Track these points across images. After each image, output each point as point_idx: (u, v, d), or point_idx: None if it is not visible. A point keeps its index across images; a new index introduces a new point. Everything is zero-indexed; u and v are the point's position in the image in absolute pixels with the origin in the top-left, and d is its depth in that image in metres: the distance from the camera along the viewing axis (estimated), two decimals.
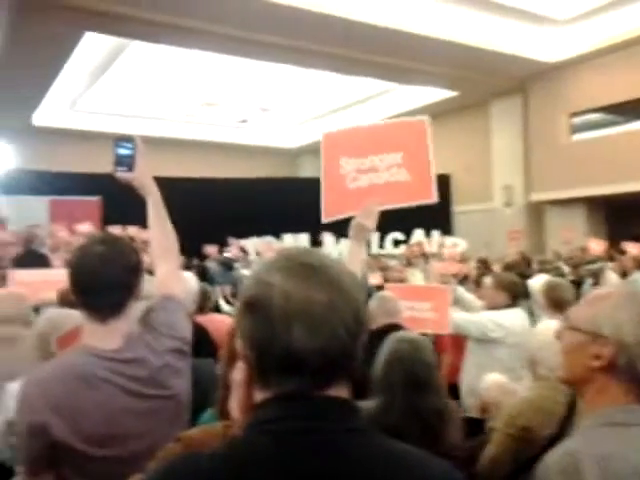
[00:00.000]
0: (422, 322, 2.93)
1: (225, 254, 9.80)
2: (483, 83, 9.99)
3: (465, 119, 11.76)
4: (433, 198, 1.98)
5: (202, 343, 2.82)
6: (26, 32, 7.09)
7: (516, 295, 3.35)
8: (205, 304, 3.55)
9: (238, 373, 0.85)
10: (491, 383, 2.75)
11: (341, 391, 0.79)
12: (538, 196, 10.48)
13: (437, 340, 3.31)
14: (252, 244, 10.46)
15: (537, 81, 10.16)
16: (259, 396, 0.80)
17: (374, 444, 0.79)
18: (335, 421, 0.77)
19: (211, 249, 9.82)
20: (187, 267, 9.06)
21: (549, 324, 2.24)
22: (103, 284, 1.46)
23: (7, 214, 10.25)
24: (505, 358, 3.12)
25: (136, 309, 1.61)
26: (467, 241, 9.76)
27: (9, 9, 6.47)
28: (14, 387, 2.56)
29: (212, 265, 8.80)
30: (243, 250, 10.05)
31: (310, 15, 6.92)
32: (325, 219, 1.99)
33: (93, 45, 8.11)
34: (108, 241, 1.51)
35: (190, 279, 3.35)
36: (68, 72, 8.83)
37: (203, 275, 7.52)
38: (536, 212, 10.78)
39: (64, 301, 3.07)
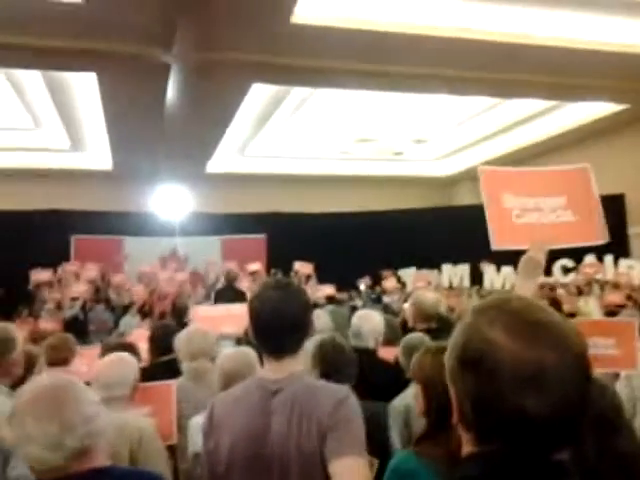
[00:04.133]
0: (607, 360, 2.70)
1: (361, 286, 9.96)
2: None
3: (638, 133, 10.78)
4: (602, 239, 2.09)
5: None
6: (200, 91, 7.89)
7: None
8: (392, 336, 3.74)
9: None
10: None
11: (563, 453, 0.77)
12: None
13: None
14: (408, 275, 10.41)
15: None
16: (469, 448, 0.80)
17: None
18: None
19: (363, 281, 9.98)
20: (339, 301, 9.30)
21: None
22: (280, 327, 1.63)
23: (186, 254, 11.34)
24: None
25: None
26: None
27: (184, 69, 7.26)
28: (198, 420, 2.79)
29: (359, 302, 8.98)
30: (400, 282, 10.04)
31: (461, 42, 6.86)
32: (495, 247, 2.09)
33: (258, 94, 8.75)
34: (281, 286, 1.67)
35: (375, 315, 3.47)
36: (236, 121, 9.61)
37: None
38: None
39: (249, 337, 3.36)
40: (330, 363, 2.57)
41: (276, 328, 1.61)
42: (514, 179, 2.18)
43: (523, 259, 1.87)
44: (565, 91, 8.90)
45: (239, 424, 1.57)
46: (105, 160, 11.67)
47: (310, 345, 2.91)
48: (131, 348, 3.41)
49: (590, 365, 0.77)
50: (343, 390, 1.60)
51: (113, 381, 2.54)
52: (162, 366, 3.66)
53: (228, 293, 7.46)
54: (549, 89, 8.73)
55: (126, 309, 8.32)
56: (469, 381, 0.77)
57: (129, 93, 8.06)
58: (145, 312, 8.26)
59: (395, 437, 2.55)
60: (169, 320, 7.53)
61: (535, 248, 1.88)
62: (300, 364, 1.70)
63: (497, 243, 2.07)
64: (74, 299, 7.99)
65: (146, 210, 12.06)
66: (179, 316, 7.49)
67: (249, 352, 2.75)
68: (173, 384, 3.03)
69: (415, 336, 3.20)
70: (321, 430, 1.50)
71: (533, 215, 2.10)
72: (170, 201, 12.21)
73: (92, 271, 9.34)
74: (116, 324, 7.93)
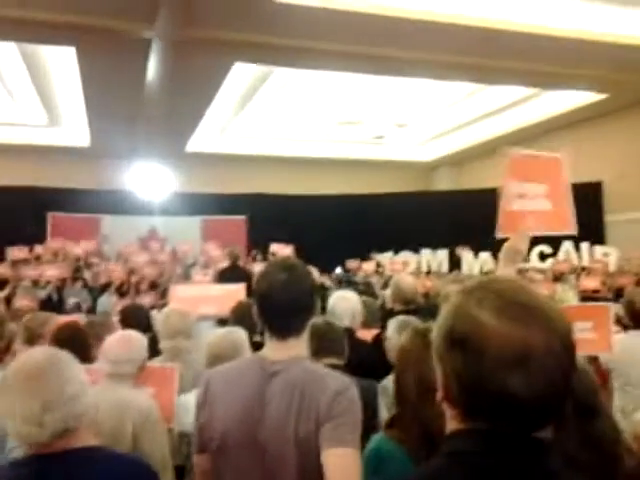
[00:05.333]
0: (583, 344, 2.77)
1: (337, 272, 10.01)
2: (638, 83, 9.23)
3: (617, 122, 10.90)
4: (573, 229, 2.16)
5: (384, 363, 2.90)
6: (181, 68, 7.76)
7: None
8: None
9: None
10: None
11: (545, 431, 0.78)
12: None
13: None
14: (387, 259, 10.47)
15: None
16: (455, 425, 0.81)
17: None
18: (536, 463, 0.76)
19: (353, 264, 10.02)
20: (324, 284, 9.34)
21: None
22: (287, 309, 1.62)
23: (165, 234, 11.26)
24: None
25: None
26: (621, 252, 9.05)
27: (165, 46, 7.13)
28: (183, 399, 2.79)
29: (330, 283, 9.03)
30: (379, 265, 10.11)
31: (444, 27, 6.84)
32: (500, 235, 2.10)
33: (240, 74, 8.65)
34: (288, 267, 1.65)
35: (351, 296, 3.52)
36: (218, 101, 9.50)
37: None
38: None
39: (237, 317, 3.38)
40: (321, 339, 2.65)
41: (284, 308, 1.61)
42: (522, 163, 2.17)
43: (504, 247, 1.90)
44: (545, 79, 8.96)
45: (235, 403, 1.55)
46: (83, 136, 11.46)
47: None
48: (78, 330, 3.36)
49: (575, 347, 0.78)
50: (345, 380, 1.58)
51: (121, 358, 2.51)
52: None
53: (232, 273, 7.28)
54: (530, 76, 8.78)
55: (104, 289, 8.26)
56: (456, 360, 0.77)
57: (109, 69, 7.90)
58: (122, 292, 8.21)
59: (384, 416, 2.59)
60: (146, 296, 7.50)
61: (518, 237, 1.91)
62: (304, 347, 1.69)
63: (501, 231, 2.08)
64: (48, 282, 7.91)
65: (124, 188, 11.91)
66: (160, 296, 7.45)
67: (239, 333, 2.76)
68: (176, 367, 3.01)
69: (404, 319, 3.25)
70: (319, 418, 1.49)
71: (519, 202, 2.10)
72: (149, 180, 12.06)
73: (76, 249, 9.29)
74: (94, 304, 7.87)
